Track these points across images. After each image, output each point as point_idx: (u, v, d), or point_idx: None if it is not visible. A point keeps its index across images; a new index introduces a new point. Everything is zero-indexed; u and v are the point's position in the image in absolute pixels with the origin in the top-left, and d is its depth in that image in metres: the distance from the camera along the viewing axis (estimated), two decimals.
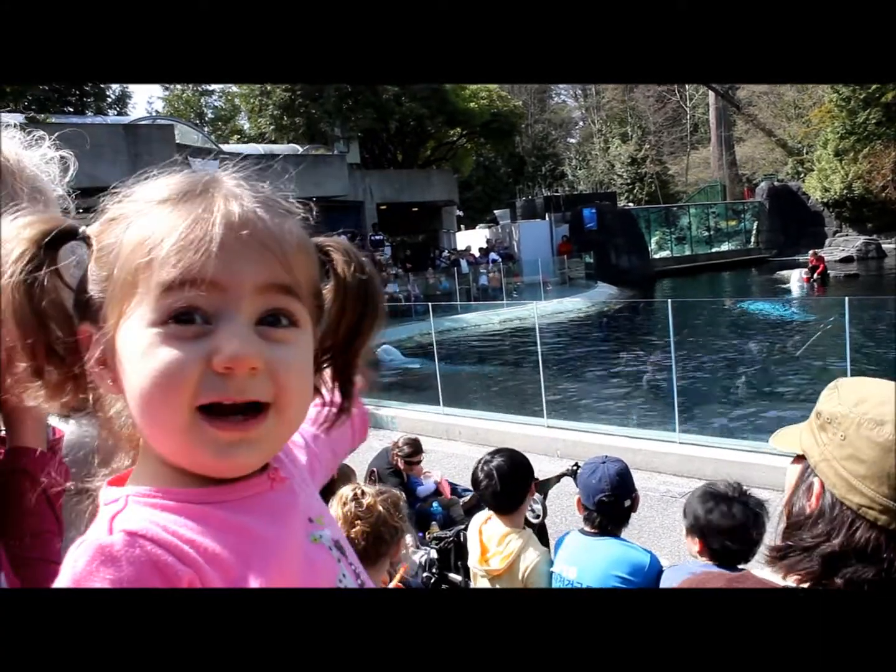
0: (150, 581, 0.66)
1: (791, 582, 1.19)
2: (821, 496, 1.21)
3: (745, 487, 2.79)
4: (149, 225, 0.74)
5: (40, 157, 1.00)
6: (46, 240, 0.75)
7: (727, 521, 2.61)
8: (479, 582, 3.23)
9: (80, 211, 1.05)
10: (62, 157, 1.01)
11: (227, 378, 0.71)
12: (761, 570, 1.27)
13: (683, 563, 2.84)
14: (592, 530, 3.04)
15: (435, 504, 4.65)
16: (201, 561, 0.70)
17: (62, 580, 0.65)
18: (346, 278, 0.86)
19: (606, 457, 3.19)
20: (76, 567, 0.65)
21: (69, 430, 2.66)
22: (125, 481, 0.79)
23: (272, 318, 0.75)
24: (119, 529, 0.69)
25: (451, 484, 5.68)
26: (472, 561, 3.22)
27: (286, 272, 0.75)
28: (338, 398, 0.91)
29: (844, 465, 1.18)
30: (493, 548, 3.11)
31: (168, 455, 0.76)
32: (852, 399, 1.23)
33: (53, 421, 2.51)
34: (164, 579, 0.67)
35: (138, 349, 0.72)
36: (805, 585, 1.17)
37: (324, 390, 0.89)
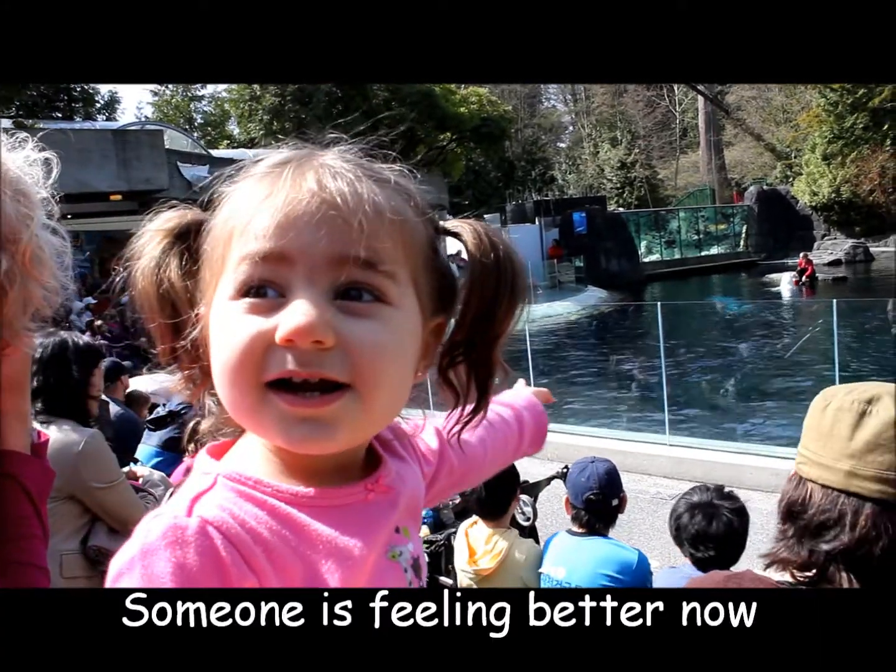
0: (208, 578, 0.65)
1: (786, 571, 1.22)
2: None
3: (727, 490, 2.79)
4: (235, 200, 0.74)
5: (24, 160, 0.98)
6: (177, 231, 0.78)
7: (704, 530, 2.62)
8: (465, 584, 3.24)
9: (69, 217, 1.04)
10: (46, 159, 1.00)
11: (291, 351, 0.68)
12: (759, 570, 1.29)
13: (681, 566, 2.84)
14: (580, 530, 3.06)
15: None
16: (269, 568, 0.68)
17: (133, 545, 0.66)
18: (475, 261, 0.79)
19: (595, 457, 3.22)
20: (148, 538, 0.65)
21: (54, 436, 2.65)
22: (224, 452, 0.79)
23: (355, 293, 0.70)
24: (198, 514, 0.68)
25: None
26: (460, 563, 3.22)
27: (364, 245, 0.69)
28: (473, 396, 0.83)
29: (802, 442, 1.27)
30: (480, 549, 3.14)
31: (249, 430, 0.75)
32: None
33: (38, 425, 2.49)
34: (223, 582, 0.66)
35: (218, 324, 0.72)
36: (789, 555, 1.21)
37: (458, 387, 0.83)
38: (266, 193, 0.71)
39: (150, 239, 0.78)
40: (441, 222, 0.83)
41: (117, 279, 0.79)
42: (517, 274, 0.81)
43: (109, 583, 0.65)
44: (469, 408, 0.84)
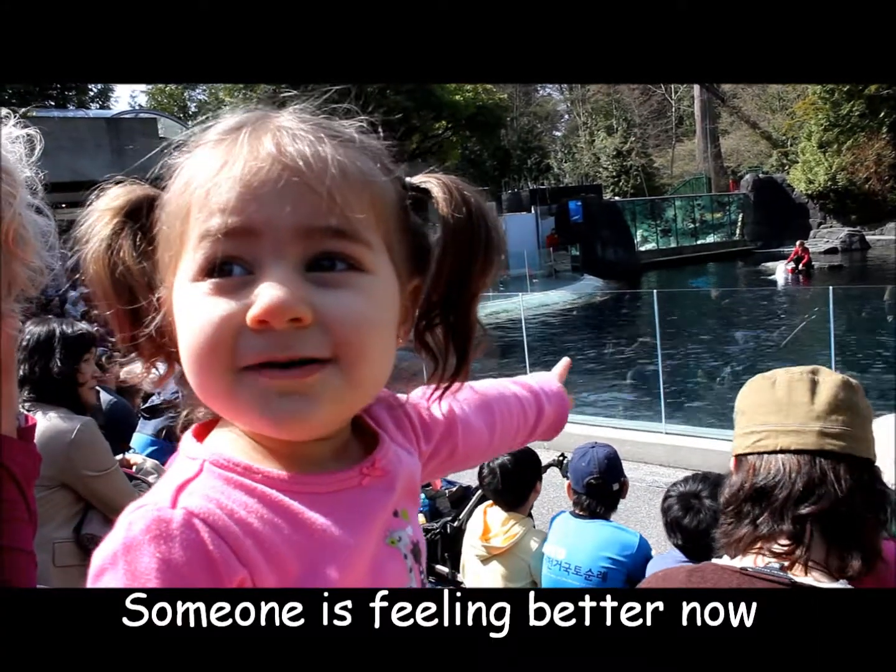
0: (196, 574, 0.62)
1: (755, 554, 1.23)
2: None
3: (721, 475, 2.77)
4: (189, 171, 0.69)
5: (5, 137, 0.95)
6: (127, 209, 0.73)
7: (678, 520, 2.64)
8: (471, 560, 3.28)
9: (63, 206, 1.01)
10: (29, 137, 0.96)
11: (266, 335, 0.63)
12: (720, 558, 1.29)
13: (669, 552, 2.85)
14: (582, 513, 3.09)
15: (421, 496, 4.64)
16: (261, 559, 0.65)
17: (115, 538, 0.63)
18: (446, 218, 0.76)
19: (596, 443, 3.28)
20: (131, 531, 0.62)
21: (47, 424, 2.63)
22: (210, 430, 0.74)
23: (328, 262, 0.66)
24: (183, 506, 0.64)
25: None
26: (473, 538, 3.27)
27: (334, 213, 0.65)
28: (452, 361, 0.79)
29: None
30: (496, 528, 3.23)
31: (224, 415, 0.71)
32: None
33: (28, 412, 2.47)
34: (211, 576, 0.62)
35: (182, 309, 0.68)
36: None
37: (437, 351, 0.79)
38: (222, 162, 0.66)
39: (98, 219, 0.73)
40: (408, 178, 0.79)
41: (66, 264, 0.76)
42: (491, 228, 0.77)
43: (92, 577, 0.63)
44: (448, 373, 0.80)
